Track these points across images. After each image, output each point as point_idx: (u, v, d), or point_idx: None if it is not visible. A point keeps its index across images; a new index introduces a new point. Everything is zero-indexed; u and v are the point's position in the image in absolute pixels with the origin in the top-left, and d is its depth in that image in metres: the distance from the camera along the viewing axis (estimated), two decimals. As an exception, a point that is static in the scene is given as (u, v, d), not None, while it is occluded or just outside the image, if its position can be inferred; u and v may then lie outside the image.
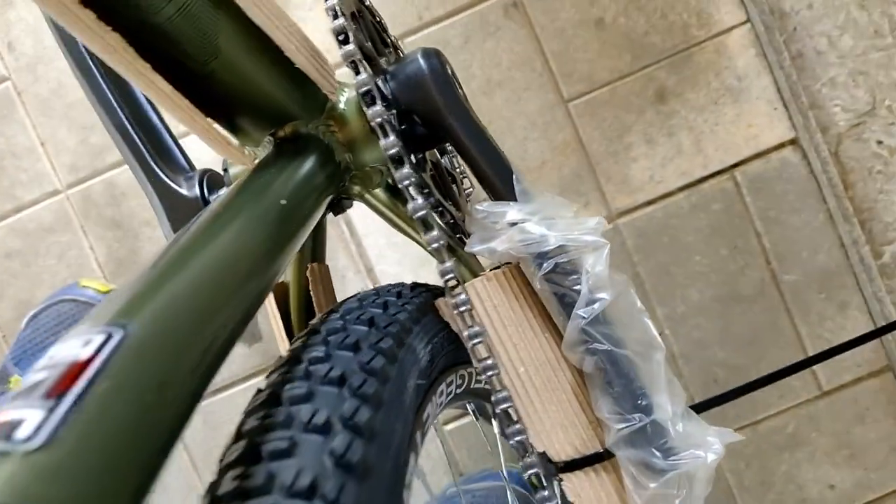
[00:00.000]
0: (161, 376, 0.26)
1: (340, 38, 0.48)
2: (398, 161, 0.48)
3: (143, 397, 0.25)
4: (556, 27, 1.08)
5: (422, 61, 0.53)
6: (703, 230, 1.09)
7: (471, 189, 0.86)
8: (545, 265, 0.51)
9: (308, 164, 0.49)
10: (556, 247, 0.51)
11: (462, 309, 0.49)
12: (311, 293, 0.64)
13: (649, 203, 1.10)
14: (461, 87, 0.57)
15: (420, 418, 0.43)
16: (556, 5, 1.08)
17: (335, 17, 0.49)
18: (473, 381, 0.57)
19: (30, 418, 0.22)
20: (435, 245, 0.48)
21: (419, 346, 0.46)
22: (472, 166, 0.55)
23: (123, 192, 1.11)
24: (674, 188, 1.09)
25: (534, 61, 1.09)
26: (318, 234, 0.68)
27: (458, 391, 0.54)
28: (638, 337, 0.53)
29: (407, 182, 0.48)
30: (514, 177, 0.54)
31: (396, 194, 0.65)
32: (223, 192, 0.68)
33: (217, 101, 0.48)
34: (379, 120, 0.48)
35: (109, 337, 0.25)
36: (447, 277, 0.49)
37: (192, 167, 0.75)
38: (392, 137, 0.48)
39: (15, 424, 0.21)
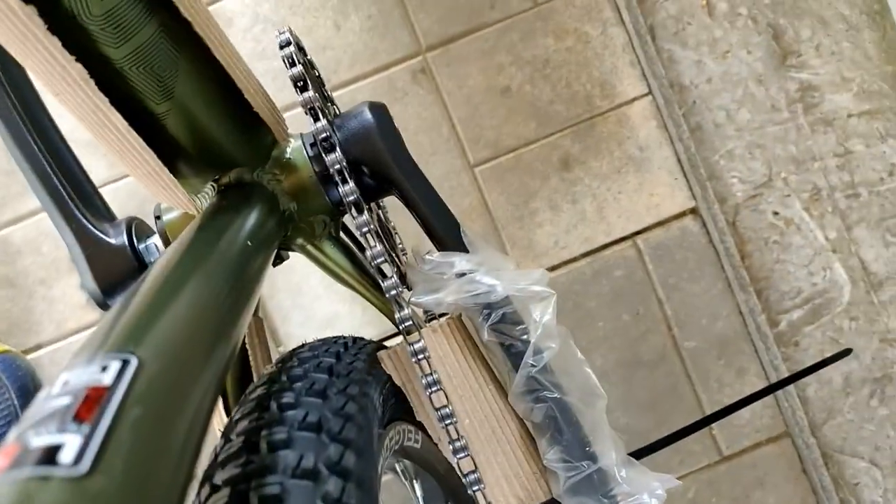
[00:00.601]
0: (180, 403, 0.27)
1: (300, 84, 0.49)
2: (357, 208, 0.49)
3: (171, 423, 0.25)
4: (463, 94, 1.11)
5: (369, 113, 0.54)
6: (605, 296, 1.12)
7: (402, 245, 0.87)
8: (493, 315, 0.52)
9: (256, 212, 0.48)
10: (504, 297, 0.51)
11: (420, 357, 0.50)
12: (248, 346, 0.63)
13: (553, 268, 1.12)
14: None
15: (380, 471, 0.45)
16: (464, 72, 1.11)
17: (292, 64, 0.50)
18: (406, 438, 0.58)
19: (69, 443, 0.21)
20: (394, 292, 0.49)
21: (375, 395, 0.47)
22: (420, 217, 0.55)
23: (18, 250, 1.10)
24: (577, 254, 1.12)
25: (441, 126, 1.11)
26: None
27: (396, 448, 0.54)
28: (581, 385, 0.54)
29: (366, 229, 0.49)
30: (461, 228, 0.55)
31: (340, 246, 0.65)
32: (183, 235, 0.67)
33: (167, 142, 0.47)
34: (338, 166, 0.49)
35: (126, 363, 0.25)
36: (406, 325, 0.50)
37: (113, 216, 0.75)
38: (351, 184, 0.49)
39: (55, 449, 0.21)
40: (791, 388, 1.12)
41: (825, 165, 1.11)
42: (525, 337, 0.52)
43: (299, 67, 0.50)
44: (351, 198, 0.50)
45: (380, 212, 0.76)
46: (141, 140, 0.44)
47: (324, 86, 0.66)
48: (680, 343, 1.12)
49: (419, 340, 0.50)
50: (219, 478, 0.33)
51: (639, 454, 0.75)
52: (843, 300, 1.12)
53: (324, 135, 0.50)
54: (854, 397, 1.13)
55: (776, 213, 1.12)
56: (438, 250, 0.55)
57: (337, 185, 0.51)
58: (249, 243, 0.43)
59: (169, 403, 0.26)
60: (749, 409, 1.13)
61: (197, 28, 0.43)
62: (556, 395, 0.52)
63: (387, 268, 0.51)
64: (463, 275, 0.52)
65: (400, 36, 1.10)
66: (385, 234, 0.64)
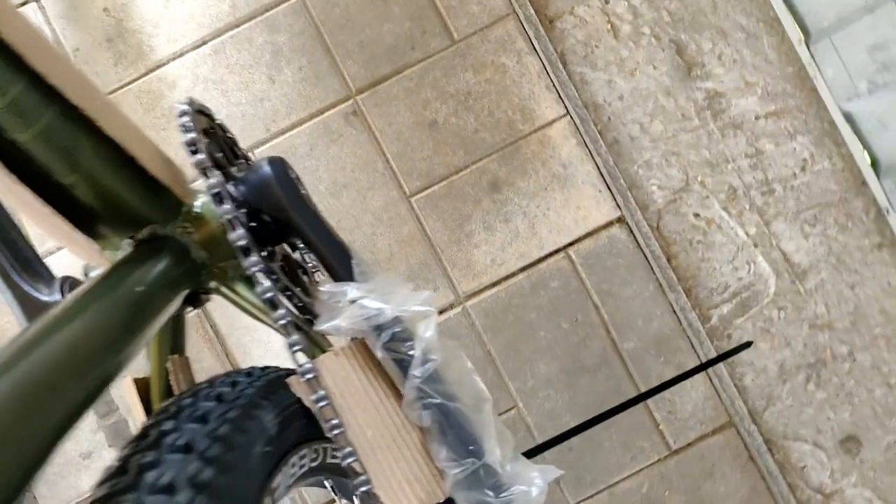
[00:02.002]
0: (23, 422, 0.32)
1: (191, 149, 0.57)
2: (246, 251, 0.56)
3: (11, 438, 0.30)
4: (393, 130, 1.22)
5: (266, 167, 0.62)
6: (544, 307, 1.21)
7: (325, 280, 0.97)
8: (383, 335, 0.59)
9: (163, 261, 0.56)
10: (392, 318, 0.58)
11: (308, 377, 0.58)
12: (171, 383, 0.72)
13: (493, 285, 1.22)
14: (303, 188, 0.66)
15: (269, 484, 0.52)
16: (392, 110, 1.22)
17: (185, 131, 0.58)
18: (329, 456, 0.66)
19: None
20: (281, 322, 0.56)
21: (267, 417, 0.53)
22: (316, 254, 0.63)
23: (-6, 311, 1.21)
24: (514, 269, 1.22)
25: (376, 162, 1.22)
26: (178, 327, 0.76)
27: (313, 465, 0.63)
28: (469, 392, 0.62)
29: (255, 269, 0.56)
30: (352, 261, 0.63)
31: (251, 285, 0.75)
32: (86, 284, 0.77)
33: (79, 209, 0.55)
34: (228, 217, 0.56)
35: None
36: (294, 349, 0.57)
37: (50, 276, 0.86)
38: (240, 230, 0.56)
39: None
40: (727, 377, 1.21)
41: (738, 166, 1.21)
42: (412, 352, 0.60)
43: (191, 134, 0.60)
44: (240, 243, 0.59)
45: (297, 253, 0.85)
46: (50, 209, 0.54)
47: (235, 145, 0.76)
48: (619, 345, 1.21)
49: (307, 363, 0.59)
50: (94, 497, 0.40)
51: (533, 452, 0.84)
52: (769, 291, 1.21)
53: (214, 190, 0.60)
54: (791, 383, 1.22)
55: (697, 215, 1.21)
56: (334, 281, 0.65)
57: (236, 229, 0.61)
58: (140, 289, 0.52)
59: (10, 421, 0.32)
60: (691, 401, 1.21)
61: (89, 113, 0.52)
62: (438, 400, 0.60)
63: (283, 301, 0.60)
64: (354, 301, 0.61)
65: (330, 83, 1.22)
66: (290, 271, 0.74)
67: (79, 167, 0.53)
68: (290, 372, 0.62)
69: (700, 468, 1.22)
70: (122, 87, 1.21)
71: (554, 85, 1.22)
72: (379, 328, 0.59)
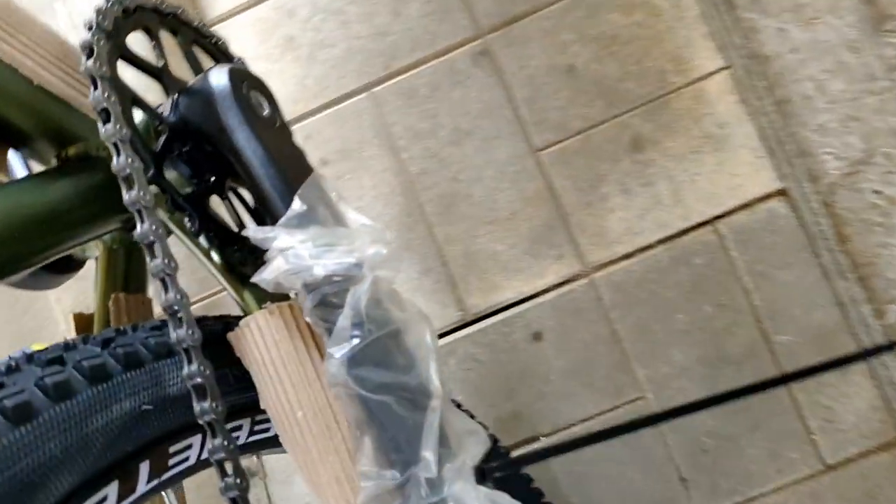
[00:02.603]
0: None
1: (85, 52, 0.49)
2: (128, 183, 0.47)
3: None
4: (525, 75, 1.10)
5: (210, 79, 0.54)
6: (684, 286, 1.06)
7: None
8: (312, 297, 0.49)
9: (77, 182, 0.53)
10: (322, 277, 0.48)
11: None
12: (111, 323, 0.65)
13: (626, 256, 1.08)
14: (272, 111, 0.57)
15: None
16: (526, 52, 1.10)
17: (88, 29, 0.50)
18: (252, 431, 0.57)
19: None
20: (156, 273, 0.47)
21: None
22: (251, 189, 0.54)
23: None
24: (652, 241, 1.07)
25: (503, 109, 1.10)
26: (131, 264, 0.69)
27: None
28: (412, 382, 0.50)
29: (136, 207, 0.47)
30: (295, 202, 0.51)
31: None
32: None
33: None
34: (113, 140, 0.47)
35: None
36: (173, 306, 0.48)
37: None
38: (122, 158, 0.47)
39: None
40: (903, 387, 1.03)
41: (934, 137, 1.03)
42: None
43: (88, 35, 0.50)
44: (123, 172, 0.48)
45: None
46: None
47: (214, 47, 0.65)
48: (771, 336, 1.05)
49: (247, 324, 0.50)
50: None
51: (528, 459, 0.68)
52: (962, 288, 1.02)
53: (100, 106, 0.48)
54: (981, 400, 1.03)
55: (878, 192, 1.04)
56: (270, 223, 0.53)
57: (184, 160, 0.54)
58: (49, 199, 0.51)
59: None
60: (854, 410, 1.04)
61: None
62: (360, 392, 0.48)
63: (160, 247, 0.48)
64: (285, 251, 0.50)
65: (459, 19, 1.11)
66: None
67: None
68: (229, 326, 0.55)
69: (861, 490, 1.04)
70: (234, 13, 1.14)
71: (715, 32, 1.07)
72: (307, 288, 0.49)
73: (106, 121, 0.48)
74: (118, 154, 0.47)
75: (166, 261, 0.46)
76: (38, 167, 0.60)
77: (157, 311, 0.68)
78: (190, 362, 0.46)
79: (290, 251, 0.49)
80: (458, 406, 0.73)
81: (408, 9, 1.11)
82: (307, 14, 1.13)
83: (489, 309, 1.10)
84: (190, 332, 0.46)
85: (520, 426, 1.08)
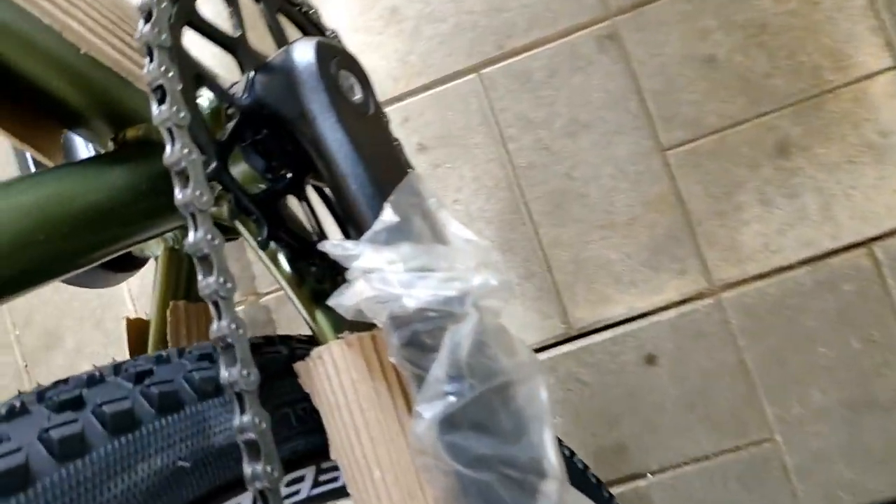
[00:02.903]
0: None
1: (143, 14, 0.40)
2: (182, 179, 0.38)
3: None
4: (657, 63, 0.98)
5: (293, 53, 0.45)
6: (829, 315, 0.93)
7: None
8: (400, 334, 0.40)
9: (137, 171, 0.45)
10: (414, 310, 0.39)
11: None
12: (168, 333, 0.57)
13: (761, 276, 0.95)
14: (365, 96, 0.48)
15: None
16: (660, 38, 0.98)
17: None
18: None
19: None
20: (208, 293, 0.38)
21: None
22: (334, 190, 0.45)
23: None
24: (794, 261, 0.94)
25: (629, 101, 0.98)
26: (193, 268, 0.61)
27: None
28: (520, 456, 0.40)
29: (189, 210, 0.38)
30: (386, 210, 0.43)
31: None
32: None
33: (27, 90, 0.45)
34: (168, 125, 0.39)
35: None
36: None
37: None
38: (177, 147, 0.38)
39: None
40: None
41: None
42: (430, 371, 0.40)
43: None
44: (177, 167, 0.39)
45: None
46: None
47: (309, 20, 0.55)
48: (929, 382, 0.91)
49: (319, 355, 0.42)
50: None
51: None
52: None
53: (156, 83, 0.39)
54: None
55: None
56: (355, 236, 0.44)
57: (257, 151, 0.45)
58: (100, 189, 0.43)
59: None
60: None
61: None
62: (454, 465, 0.38)
63: (215, 259, 0.39)
64: (370, 273, 0.41)
65: (586, -3, 0.99)
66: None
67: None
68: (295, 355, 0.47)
69: None
70: (338, -21, 1.05)
71: (884, 25, 0.93)
72: (396, 321, 0.40)
73: (161, 100, 0.39)
74: (172, 142, 0.38)
75: (222, 280, 0.37)
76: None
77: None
78: (243, 411, 0.36)
79: (376, 274, 0.40)
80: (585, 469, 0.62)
81: (528, -17, 1.00)
82: (416, -17, 1.03)
83: (597, 324, 0.98)
84: (245, 372, 0.37)
85: (624, 460, 0.96)
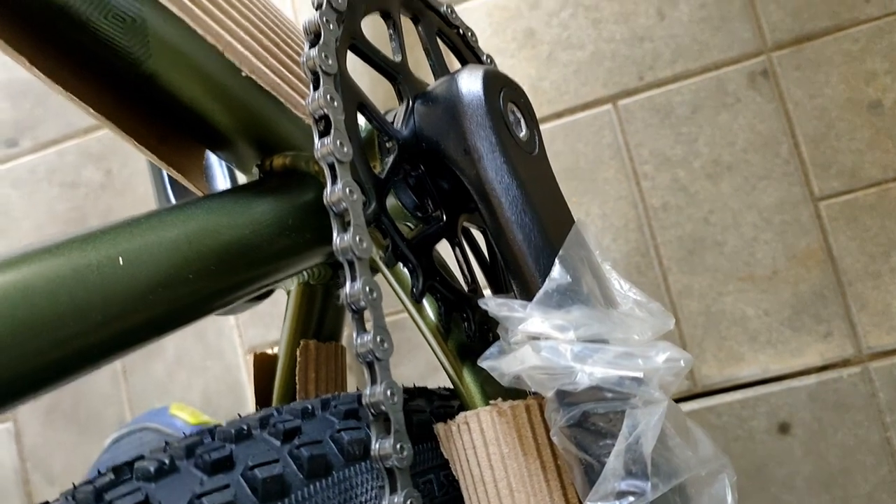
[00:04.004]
0: None
1: (310, 37, 0.38)
2: (342, 223, 0.36)
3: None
4: (815, 105, 0.91)
5: (459, 81, 0.42)
6: None
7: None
8: (567, 413, 0.36)
9: (284, 203, 0.44)
10: (588, 388, 0.36)
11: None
12: (297, 374, 0.55)
13: (917, 348, 0.87)
14: (534, 129, 0.45)
15: None
16: (819, 78, 0.91)
17: (317, 7, 0.39)
18: None
19: None
20: (363, 353, 0.35)
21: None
22: (496, 239, 0.42)
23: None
24: (959, 334, 0.86)
25: (779, 144, 0.92)
26: (326, 305, 0.59)
27: None
28: None
29: (348, 257, 0.36)
30: (556, 268, 0.39)
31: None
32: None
33: (174, 109, 0.44)
34: (330, 160, 0.36)
35: None
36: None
37: None
38: (339, 187, 0.36)
39: None
40: None
41: None
42: (605, 460, 0.35)
43: (315, 16, 0.38)
44: (337, 208, 0.37)
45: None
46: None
47: (469, 47, 0.52)
48: None
49: (465, 421, 0.39)
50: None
51: None
52: None
53: (318, 112, 0.37)
54: None
55: None
56: (518, 294, 0.41)
57: (407, 186, 0.44)
58: (245, 225, 0.42)
59: None
60: None
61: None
62: None
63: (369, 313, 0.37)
64: (536, 338, 0.37)
65: (739, 30, 0.94)
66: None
67: (151, 55, 0.42)
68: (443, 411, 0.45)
69: None
70: (473, -2, 1.02)
71: None
72: (563, 398, 0.37)
73: (324, 132, 0.37)
74: (333, 180, 0.36)
75: (379, 339, 0.35)
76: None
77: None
78: (394, 490, 0.34)
79: (545, 342, 0.37)
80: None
81: (676, 11, 0.95)
82: (555, 7, 0.99)
83: (726, 383, 0.91)
84: (399, 447, 0.34)
85: (746, 536, 0.89)
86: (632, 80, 0.96)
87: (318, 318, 0.59)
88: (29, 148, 1.16)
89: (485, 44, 1.01)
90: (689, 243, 0.93)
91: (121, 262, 0.35)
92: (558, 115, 0.98)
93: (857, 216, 0.89)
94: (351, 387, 0.59)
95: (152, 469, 0.33)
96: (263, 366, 0.59)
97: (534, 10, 1.00)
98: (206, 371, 1.06)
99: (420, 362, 0.96)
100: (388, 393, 0.35)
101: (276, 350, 0.61)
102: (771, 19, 0.93)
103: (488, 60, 0.55)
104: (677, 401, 0.91)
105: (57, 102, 1.11)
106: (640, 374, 0.37)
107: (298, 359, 0.56)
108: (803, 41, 0.92)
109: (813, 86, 0.91)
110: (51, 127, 1.16)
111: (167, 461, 0.33)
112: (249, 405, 1.06)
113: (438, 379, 0.46)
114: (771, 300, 0.91)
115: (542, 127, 0.96)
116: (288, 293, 0.59)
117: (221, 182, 0.61)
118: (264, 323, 1.05)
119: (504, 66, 1.00)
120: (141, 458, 0.34)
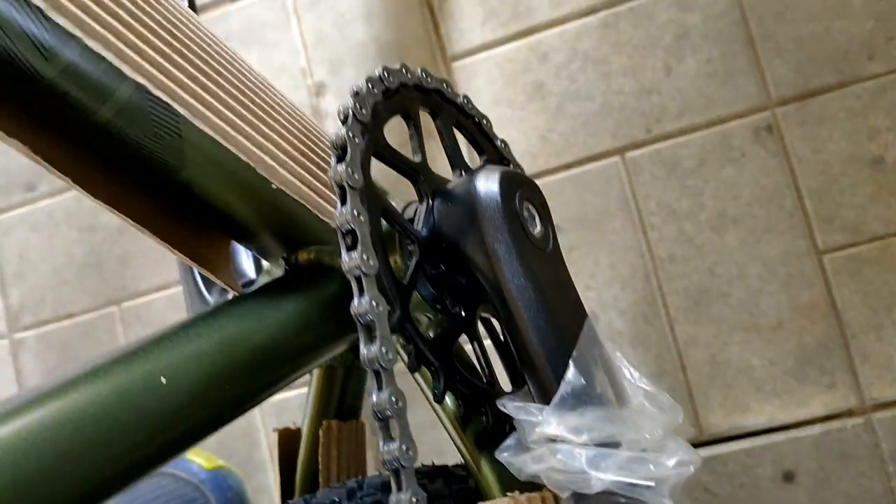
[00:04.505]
0: None
1: (336, 152, 0.41)
2: (368, 334, 0.39)
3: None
4: (819, 160, 0.94)
5: (477, 183, 0.44)
6: None
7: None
8: None
9: (310, 299, 0.46)
10: (601, 493, 0.38)
11: None
12: (320, 453, 0.58)
13: (921, 401, 0.89)
14: (548, 225, 0.47)
15: None
16: (823, 134, 0.94)
17: (343, 121, 0.42)
18: None
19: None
20: (388, 459, 0.38)
21: None
22: (511, 336, 0.44)
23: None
24: (960, 387, 0.88)
25: (784, 198, 0.94)
26: (348, 384, 0.62)
27: None
28: None
29: (374, 367, 0.38)
30: (570, 370, 0.41)
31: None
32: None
33: (203, 209, 0.47)
34: (356, 274, 0.39)
35: None
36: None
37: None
38: (366, 300, 0.38)
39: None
40: None
41: None
42: None
43: (342, 130, 0.42)
44: (363, 318, 0.39)
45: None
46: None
47: (486, 137, 0.55)
48: None
49: None
50: None
51: None
52: None
53: (346, 227, 0.40)
54: None
55: None
56: (535, 396, 0.43)
57: (427, 280, 0.46)
58: (275, 325, 0.45)
59: None
60: None
61: (178, 106, 0.40)
62: None
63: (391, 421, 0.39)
64: (553, 441, 0.40)
65: (744, 85, 0.96)
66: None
67: (186, 164, 0.44)
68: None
69: None
70: (483, 49, 1.05)
71: None
72: (579, 499, 0.39)
73: (351, 247, 0.40)
74: (360, 292, 0.39)
75: (404, 448, 0.37)
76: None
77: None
78: None
79: (561, 447, 0.39)
80: None
81: (683, 66, 0.98)
82: (563, 60, 1.02)
83: (732, 432, 0.94)
84: None
85: (751, 583, 0.92)
86: (639, 133, 0.99)
87: (339, 399, 0.62)
88: (47, 192, 1.19)
89: (495, 95, 1.04)
90: (696, 294, 0.96)
91: (163, 381, 0.38)
92: (567, 166, 1.01)
93: (859, 270, 0.92)
94: (369, 461, 0.61)
95: None
96: (287, 441, 0.62)
97: (543, 63, 1.02)
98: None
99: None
100: (413, 500, 0.38)
101: (296, 425, 0.64)
102: (776, 74, 0.95)
103: (502, 145, 0.57)
104: (684, 448, 0.94)
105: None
106: (650, 483, 0.40)
107: (322, 439, 0.58)
108: (807, 97, 0.94)
109: (816, 141, 0.94)
110: (68, 171, 1.19)
111: None
112: (263, 448, 1.09)
113: (441, 431, 0.48)
114: (776, 351, 0.93)
115: (551, 178, 0.99)
116: (311, 374, 0.62)
117: (246, 263, 0.63)
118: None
119: (514, 117, 1.03)
120: None
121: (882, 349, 0.91)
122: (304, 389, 0.63)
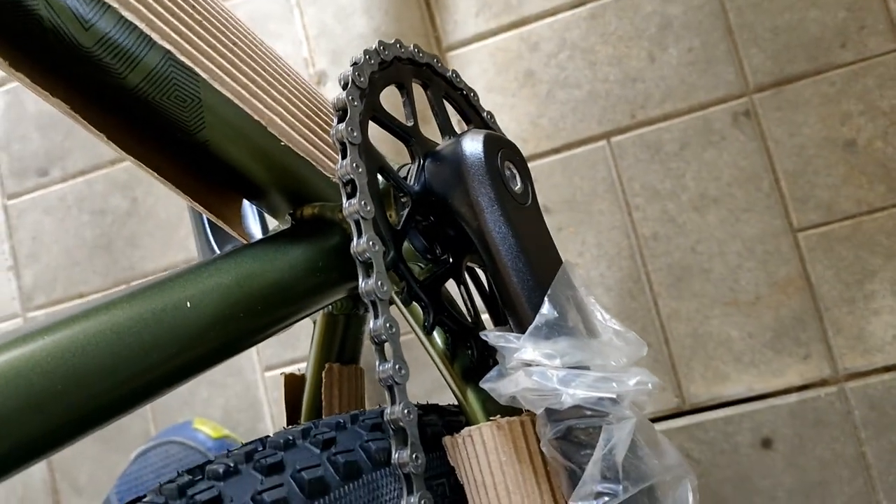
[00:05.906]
0: None
1: (338, 114, 0.47)
2: (366, 270, 0.45)
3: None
4: (794, 144, 1.00)
5: (463, 144, 0.50)
6: (962, 417, 0.93)
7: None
8: (554, 428, 0.45)
9: (314, 248, 0.52)
10: (571, 407, 0.44)
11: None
12: (323, 393, 0.63)
13: (889, 369, 0.95)
14: (524, 186, 0.52)
15: None
16: (798, 119, 1.00)
17: (344, 87, 0.48)
18: None
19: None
20: (384, 378, 0.44)
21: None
22: (494, 280, 0.50)
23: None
24: (926, 356, 0.95)
25: (761, 180, 1.01)
26: (348, 331, 0.68)
27: None
28: None
29: (371, 299, 0.44)
30: (545, 304, 0.47)
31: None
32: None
33: (219, 167, 0.52)
34: (356, 218, 0.45)
35: None
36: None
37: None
38: (363, 240, 0.45)
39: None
40: None
41: None
42: (585, 467, 0.44)
43: (342, 94, 0.48)
44: (363, 257, 0.45)
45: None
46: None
47: (472, 107, 0.62)
48: None
49: (469, 434, 0.47)
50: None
51: None
52: None
53: (346, 177, 0.46)
54: None
55: None
56: (514, 326, 0.49)
57: (418, 232, 0.52)
58: (280, 268, 0.51)
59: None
60: None
61: (200, 71, 0.47)
62: None
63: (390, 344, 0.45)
64: (529, 365, 0.45)
65: (723, 72, 1.03)
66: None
67: (205, 124, 0.50)
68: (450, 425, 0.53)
69: None
70: (477, 39, 1.12)
71: None
72: (551, 415, 0.45)
73: (351, 194, 0.46)
74: (359, 234, 0.45)
75: (397, 367, 0.44)
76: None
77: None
78: (410, 491, 0.42)
79: (536, 368, 0.45)
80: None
81: (666, 55, 1.05)
82: (552, 49, 1.09)
83: (712, 401, 1.00)
84: (414, 456, 0.43)
85: (730, 543, 0.98)
86: (625, 118, 1.05)
87: (340, 344, 0.68)
88: (59, 177, 1.26)
89: (489, 82, 1.11)
90: (678, 270, 1.02)
91: (188, 305, 0.45)
92: (556, 150, 1.07)
93: (832, 247, 0.98)
94: (367, 403, 0.68)
95: (220, 470, 0.42)
96: (292, 385, 0.68)
97: (533, 52, 1.09)
98: (227, 388, 1.15)
99: (427, 379, 1.05)
100: (406, 411, 0.44)
101: (301, 371, 0.70)
102: (753, 62, 1.02)
103: (488, 116, 0.64)
104: (667, 418, 1.00)
105: (85, 134, 1.20)
106: (613, 396, 0.46)
107: (324, 380, 0.64)
108: (783, 84, 1.01)
109: (792, 125, 1.00)
110: (79, 157, 1.26)
111: (232, 465, 0.42)
112: (266, 420, 1.15)
113: (442, 393, 0.54)
114: (754, 324, 0.99)
115: (540, 161, 1.06)
116: (314, 322, 0.68)
117: (254, 225, 0.70)
118: (280, 343, 1.14)
119: (505, 103, 1.10)
120: (210, 462, 0.43)
121: (854, 322, 0.97)
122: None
